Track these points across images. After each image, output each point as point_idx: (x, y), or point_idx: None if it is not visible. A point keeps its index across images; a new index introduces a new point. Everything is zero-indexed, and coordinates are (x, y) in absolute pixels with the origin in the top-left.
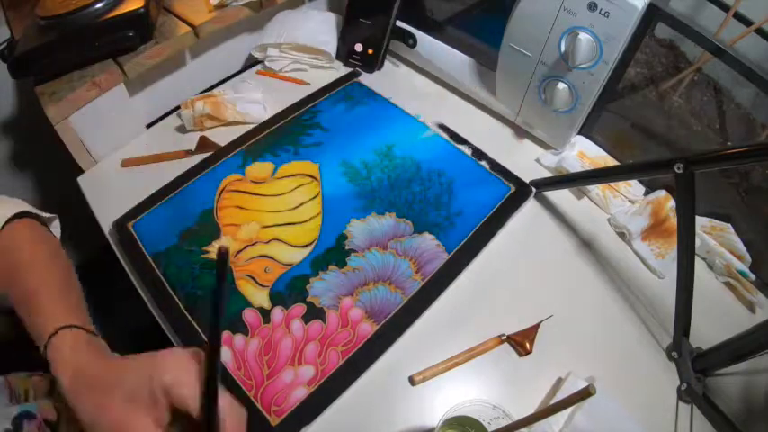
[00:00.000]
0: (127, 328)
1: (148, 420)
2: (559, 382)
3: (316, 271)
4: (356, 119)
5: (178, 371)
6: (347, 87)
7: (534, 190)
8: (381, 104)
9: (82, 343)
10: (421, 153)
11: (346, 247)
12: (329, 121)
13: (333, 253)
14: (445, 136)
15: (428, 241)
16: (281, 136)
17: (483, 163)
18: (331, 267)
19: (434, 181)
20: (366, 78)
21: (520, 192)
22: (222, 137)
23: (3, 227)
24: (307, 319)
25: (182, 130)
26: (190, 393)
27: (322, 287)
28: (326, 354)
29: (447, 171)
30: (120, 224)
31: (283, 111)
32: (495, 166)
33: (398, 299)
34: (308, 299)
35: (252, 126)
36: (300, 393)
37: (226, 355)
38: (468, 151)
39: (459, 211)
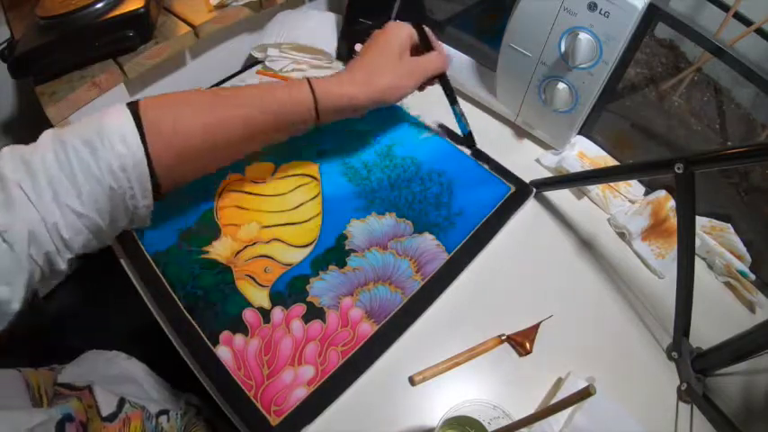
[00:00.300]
0: (126, 328)
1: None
2: (559, 382)
3: (316, 271)
4: (356, 119)
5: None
6: None
7: (534, 190)
8: None
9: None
10: (421, 153)
11: (346, 247)
12: None
13: (333, 253)
14: (445, 136)
15: (428, 241)
16: None
17: (483, 163)
18: (331, 267)
19: (434, 181)
20: None
21: (520, 192)
22: None
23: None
24: (307, 319)
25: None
26: None
27: (322, 287)
28: (326, 354)
29: (447, 171)
30: None
31: None
32: (496, 166)
33: (398, 299)
34: (308, 299)
35: None
36: (300, 393)
37: (225, 355)
38: (468, 151)
39: (460, 211)
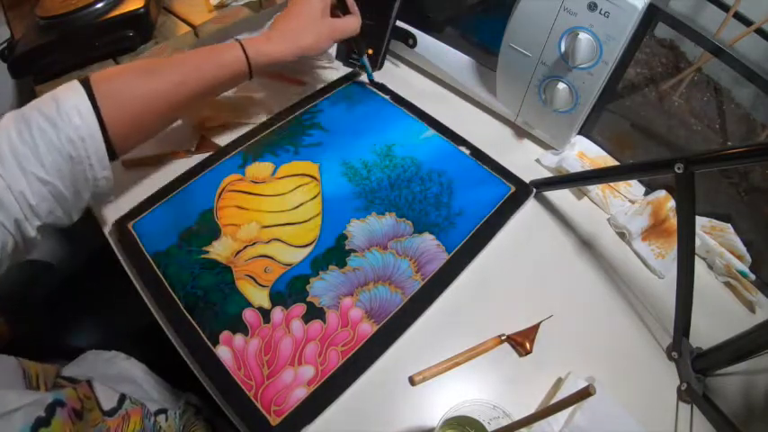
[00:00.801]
0: (127, 328)
1: None
2: (559, 382)
3: (316, 271)
4: (356, 119)
5: None
6: (347, 87)
7: (534, 190)
8: (381, 104)
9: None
10: (421, 153)
11: (346, 247)
12: (329, 121)
13: (333, 253)
14: (445, 136)
15: (428, 241)
16: (281, 136)
17: (483, 163)
18: (331, 267)
19: (434, 181)
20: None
21: (520, 192)
22: (223, 136)
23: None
24: (307, 319)
25: (182, 129)
26: None
27: (322, 287)
28: (327, 354)
29: (447, 171)
30: (120, 224)
31: (283, 111)
32: (496, 166)
33: (398, 299)
34: (308, 299)
35: (252, 126)
36: (300, 393)
37: (225, 355)
38: (468, 151)
39: (460, 211)
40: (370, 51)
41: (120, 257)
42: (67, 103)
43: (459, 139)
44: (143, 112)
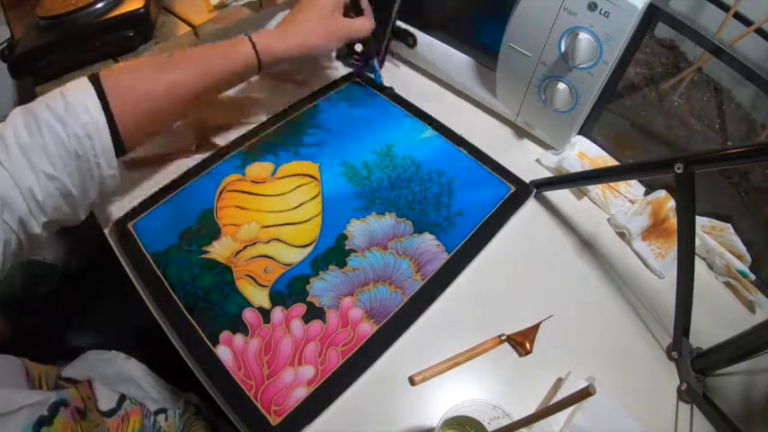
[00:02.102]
0: (128, 328)
1: None
2: (559, 382)
3: (316, 271)
4: (356, 119)
5: None
6: (347, 87)
7: (535, 190)
8: (381, 104)
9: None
10: (421, 153)
11: (346, 247)
12: (329, 120)
13: (333, 253)
14: (445, 136)
15: (428, 241)
16: (281, 136)
17: (483, 163)
18: (331, 267)
19: (434, 181)
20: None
21: (520, 192)
22: (223, 136)
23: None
24: (307, 319)
25: (182, 129)
26: None
27: (322, 287)
28: (327, 354)
29: (447, 171)
30: (120, 224)
31: (283, 111)
32: (496, 166)
33: (398, 299)
34: (308, 299)
35: (252, 126)
36: (300, 393)
37: (225, 355)
38: (468, 151)
39: (460, 211)
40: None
41: (119, 257)
42: (76, 98)
43: (458, 139)
44: (153, 108)
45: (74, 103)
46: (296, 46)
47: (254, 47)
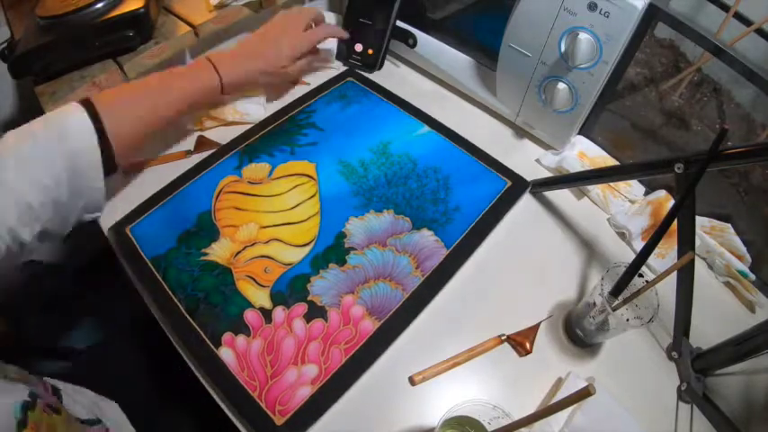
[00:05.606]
0: (129, 330)
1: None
2: (559, 382)
3: (316, 270)
4: (351, 117)
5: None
6: (341, 86)
7: (531, 184)
8: (375, 102)
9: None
10: (417, 150)
11: (346, 245)
12: (324, 120)
13: (332, 251)
14: (440, 132)
15: (427, 237)
16: (277, 136)
17: (478, 158)
18: (331, 266)
19: (431, 177)
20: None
21: (516, 186)
22: (222, 136)
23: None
24: (308, 318)
25: (180, 131)
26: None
27: (323, 286)
28: (329, 352)
29: (443, 167)
30: (117, 228)
31: (278, 111)
32: (491, 161)
33: (399, 295)
34: (309, 298)
35: (251, 125)
36: (305, 392)
37: (228, 356)
38: (463, 147)
39: (457, 206)
40: (371, 52)
41: (120, 260)
42: (70, 119)
43: (453, 135)
44: (139, 129)
45: (68, 124)
46: (257, 68)
47: (218, 73)
